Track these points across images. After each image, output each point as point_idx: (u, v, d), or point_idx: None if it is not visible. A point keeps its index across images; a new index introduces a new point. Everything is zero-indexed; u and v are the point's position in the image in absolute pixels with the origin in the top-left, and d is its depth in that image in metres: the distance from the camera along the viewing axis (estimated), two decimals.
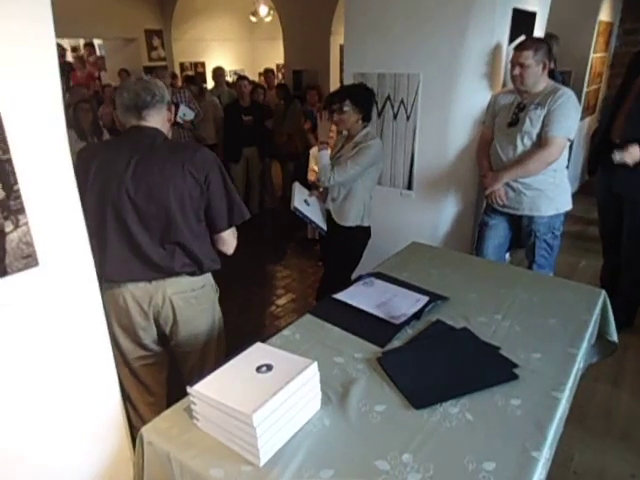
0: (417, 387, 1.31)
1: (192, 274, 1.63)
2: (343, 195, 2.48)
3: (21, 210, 0.97)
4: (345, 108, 2.38)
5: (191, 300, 1.66)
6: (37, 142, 0.97)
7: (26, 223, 0.95)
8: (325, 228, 2.59)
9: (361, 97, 2.41)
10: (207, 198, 1.55)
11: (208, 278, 1.73)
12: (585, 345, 1.56)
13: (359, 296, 1.77)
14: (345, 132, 2.53)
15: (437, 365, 1.40)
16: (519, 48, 2.42)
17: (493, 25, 2.58)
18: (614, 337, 1.90)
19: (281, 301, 3.69)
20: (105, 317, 1.27)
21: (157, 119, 1.56)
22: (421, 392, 1.29)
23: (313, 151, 4.68)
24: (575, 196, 5.23)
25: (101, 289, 1.25)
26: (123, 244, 1.52)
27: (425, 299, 1.73)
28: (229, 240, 1.68)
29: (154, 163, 1.48)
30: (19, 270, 0.99)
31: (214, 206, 1.57)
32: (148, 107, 1.52)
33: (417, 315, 1.65)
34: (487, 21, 2.58)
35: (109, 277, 1.52)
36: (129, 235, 1.51)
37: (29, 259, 0.96)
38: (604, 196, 3.02)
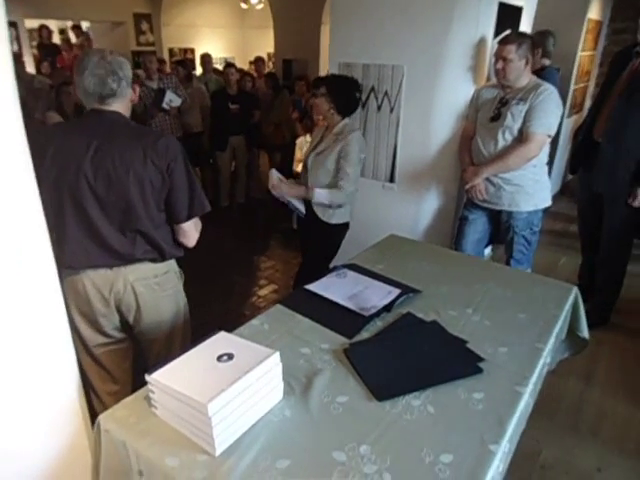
0: (381, 379, 1.30)
1: (154, 261, 1.61)
2: None
3: None
4: (319, 94, 2.38)
5: (153, 286, 1.64)
6: None
7: None
8: (304, 211, 2.53)
9: (337, 88, 2.38)
10: (168, 187, 1.51)
11: (172, 264, 1.70)
12: (553, 340, 1.56)
13: (331, 287, 1.76)
14: (325, 122, 2.51)
15: (403, 357, 1.40)
16: (502, 42, 2.42)
17: (478, 19, 2.57)
18: (585, 333, 1.91)
19: (263, 292, 3.67)
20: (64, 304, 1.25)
21: (121, 105, 1.52)
22: (385, 384, 1.28)
23: (299, 141, 4.65)
24: (558, 194, 5.30)
25: (60, 276, 1.22)
26: (82, 231, 1.48)
27: (397, 292, 1.73)
28: (190, 232, 1.63)
29: (114, 149, 1.44)
30: None
31: (175, 196, 1.53)
32: (115, 96, 1.48)
33: (387, 307, 1.64)
34: (472, 15, 2.56)
35: (68, 264, 1.49)
36: (88, 222, 1.48)
37: None
38: (585, 195, 3.05)
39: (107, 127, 1.47)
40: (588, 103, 5.50)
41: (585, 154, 2.87)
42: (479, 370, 1.35)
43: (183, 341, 1.76)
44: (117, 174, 1.44)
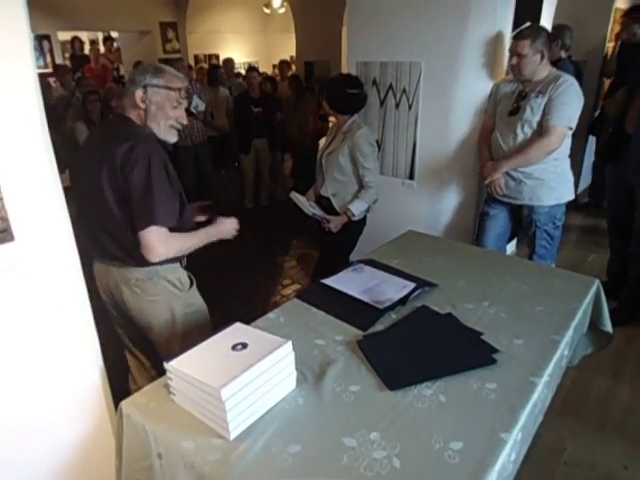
0: (393, 369, 1.32)
1: (129, 265, 1.58)
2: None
3: None
4: (323, 97, 2.48)
5: (135, 289, 1.61)
6: (11, 120, 1.01)
7: (0, 198, 0.99)
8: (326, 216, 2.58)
9: (329, 89, 2.48)
10: (124, 192, 1.47)
11: (158, 272, 1.62)
12: (571, 333, 1.54)
13: (347, 282, 1.79)
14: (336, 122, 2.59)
15: (416, 348, 1.41)
16: (517, 37, 2.40)
17: (495, 13, 2.55)
18: (608, 327, 1.87)
19: (286, 291, 3.71)
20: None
21: (127, 104, 1.58)
22: (396, 374, 1.30)
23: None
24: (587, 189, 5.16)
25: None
26: (89, 223, 1.62)
27: (412, 285, 1.73)
28: (146, 243, 1.46)
29: (96, 150, 1.53)
30: None
31: (131, 202, 1.47)
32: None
33: (402, 301, 1.65)
34: (489, 9, 2.54)
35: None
36: (89, 217, 1.62)
37: (4, 234, 1.00)
38: (615, 187, 2.98)
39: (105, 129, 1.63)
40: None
41: (616, 146, 2.81)
42: (492, 361, 1.35)
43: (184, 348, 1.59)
44: (94, 175, 1.50)
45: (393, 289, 1.72)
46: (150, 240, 1.46)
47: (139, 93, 1.54)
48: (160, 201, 1.45)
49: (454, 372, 1.30)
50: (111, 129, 1.61)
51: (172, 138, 1.64)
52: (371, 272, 1.87)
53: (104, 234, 1.57)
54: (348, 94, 2.45)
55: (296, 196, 2.60)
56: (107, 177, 1.46)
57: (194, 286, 1.76)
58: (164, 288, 1.64)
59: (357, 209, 2.47)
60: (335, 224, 2.51)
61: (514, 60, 2.39)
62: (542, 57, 2.35)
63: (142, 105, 1.56)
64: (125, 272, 1.60)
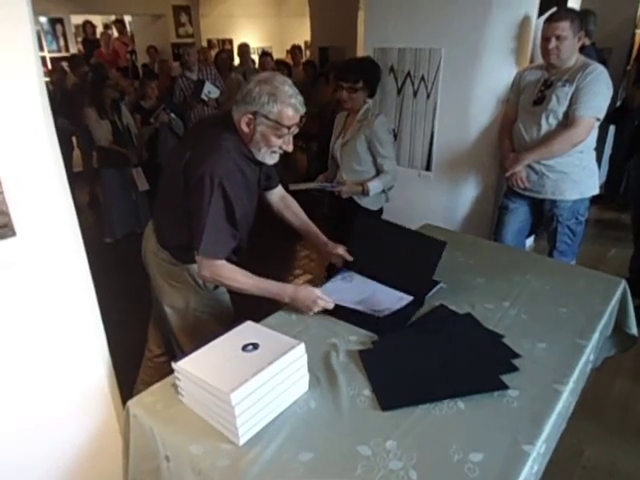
0: (392, 387, 1.22)
1: (160, 243, 1.65)
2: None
3: None
4: (358, 87, 2.30)
5: (161, 269, 1.66)
6: (11, 111, 0.96)
7: (1, 192, 0.95)
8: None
9: (374, 77, 2.36)
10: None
11: (185, 266, 1.64)
12: (597, 336, 1.47)
13: (338, 292, 1.63)
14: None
15: (429, 358, 1.32)
16: (554, 19, 2.25)
17: None
18: (633, 330, 1.79)
19: (298, 281, 3.67)
20: None
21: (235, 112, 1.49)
22: (395, 393, 1.20)
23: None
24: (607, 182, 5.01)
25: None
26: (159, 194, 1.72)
27: (408, 298, 1.59)
28: (198, 262, 1.53)
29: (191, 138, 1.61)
30: None
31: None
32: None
33: (419, 301, 1.58)
34: None
35: None
36: (160, 190, 1.71)
37: (5, 229, 0.96)
38: None
39: None
40: None
41: None
42: (513, 368, 1.28)
43: (188, 342, 1.67)
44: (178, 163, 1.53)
45: (387, 300, 1.59)
46: (199, 262, 1.49)
47: (246, 119, 1.43)
48: (209, 234, 1.43)
49: (471, 393, 1.20)
50: (208, 129, 1.54)
51: (271, 161, 1.55)
52: (362, 281, 1.73)
53: (163, 210, 1.63)
54: (379, 75, 2.39)
55: (296, 185, 2.46)
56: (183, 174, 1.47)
57: (220, 289, 1.73)
58: (185, 279, 1.66)
59: (373, 187, 2.39)
60: (347, 189, 2.42)
61: (552, 43, 2.23)
62: (579, 40, 2.23)
63: (246, 130, 1.45)
64: (159, 248, 1.64)
